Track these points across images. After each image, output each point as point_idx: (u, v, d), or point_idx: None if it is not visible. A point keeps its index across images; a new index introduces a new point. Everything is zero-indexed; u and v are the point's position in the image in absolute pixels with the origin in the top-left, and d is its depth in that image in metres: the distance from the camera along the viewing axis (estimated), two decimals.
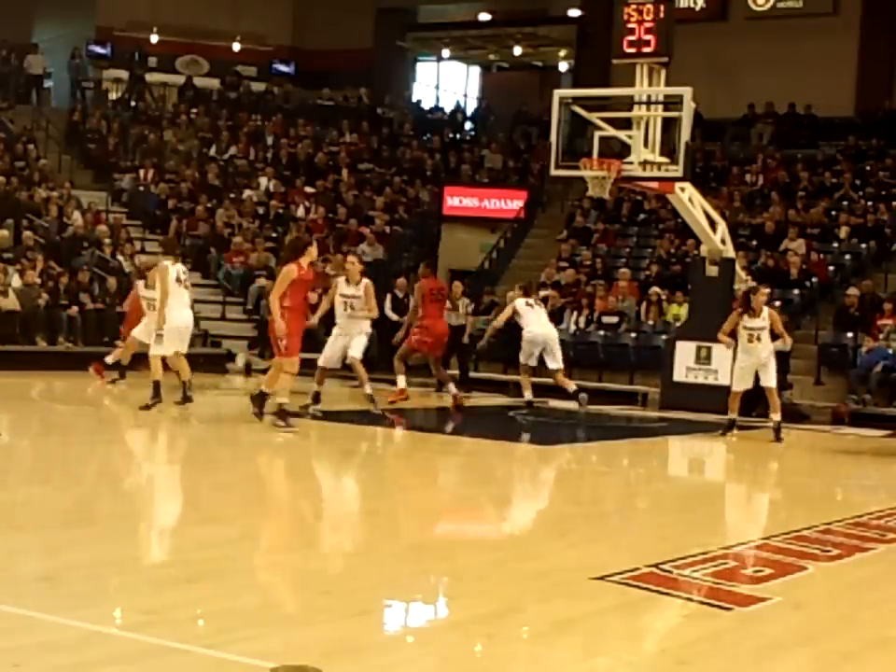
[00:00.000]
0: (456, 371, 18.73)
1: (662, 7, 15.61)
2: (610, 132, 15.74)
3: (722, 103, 24.35)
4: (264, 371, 19.53)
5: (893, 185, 22.74)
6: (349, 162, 27.21)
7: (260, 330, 20.84)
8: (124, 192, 24.98)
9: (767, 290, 15.06)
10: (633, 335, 19.38)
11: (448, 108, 31.82)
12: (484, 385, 18.78)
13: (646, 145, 15.56)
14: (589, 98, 16.63)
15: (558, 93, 16.42)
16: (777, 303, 19.38)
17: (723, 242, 17.36)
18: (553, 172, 16.26)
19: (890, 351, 17.34)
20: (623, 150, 16.00)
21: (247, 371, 19.11)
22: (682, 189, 16.21)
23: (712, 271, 17.25)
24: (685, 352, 17.11)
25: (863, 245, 20.87)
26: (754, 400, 16.95)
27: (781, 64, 24.86)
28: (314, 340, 14.85)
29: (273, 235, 23.92)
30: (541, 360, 15.60)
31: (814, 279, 19.91)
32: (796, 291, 19.73)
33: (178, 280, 12.84)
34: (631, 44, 15.68)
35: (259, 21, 31.05)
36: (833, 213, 22.11)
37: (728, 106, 25.07)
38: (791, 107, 25.46)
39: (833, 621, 5.69)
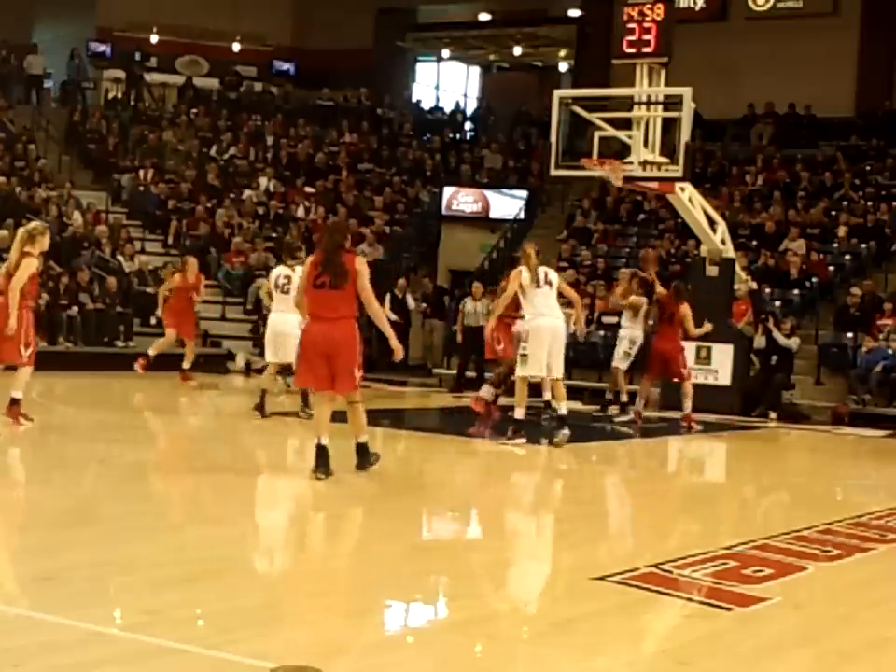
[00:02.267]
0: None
1: (662, 7, 15.60)
2: (610, 132, 15.74)
3: (722, 103, 24.34)
4: (262, 371, 19.62)
5: (893, 185, 22.75)
6: (349, 162, 27.22)
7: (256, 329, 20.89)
8: (124, 192, 24.98)
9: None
10: None
11: (448, 109, 31.81)
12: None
13: (646, 145, 15.56)
14: (589, 98, 16.63)
15: (558, 93, 16.41)
16: (778, 303, 19.45)
17: (723, 242, 17.36)
18: (553, 172, 16.26)
19: (890, 351, 17.35)
20: (623, 150, 16.00)
21: (247, 370, 19.11)
22: (682, 189, 16.21)
23: (712, 271, 17.26)
24: (685, 352, 17.09)
25: (863, 245, 20.86)
26: (754, 400, 17.00)
27: (781, 64, 24.86)
28: None
29: (273, 235, 23.92)
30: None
31: (814, 279, 19.91)
32: (796, 291, 19.74)
33: (277, 286, 12.66)
34: (631, 44, 15.67)
35: (258, 20, 31.04)
36: (833, 213, 22.11)
37: (728, 106, 25.06)
38: (791, 107, 25.45)
39: (833, 621, 5.69)
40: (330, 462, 8.69)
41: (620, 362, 15.43)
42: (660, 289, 15.03)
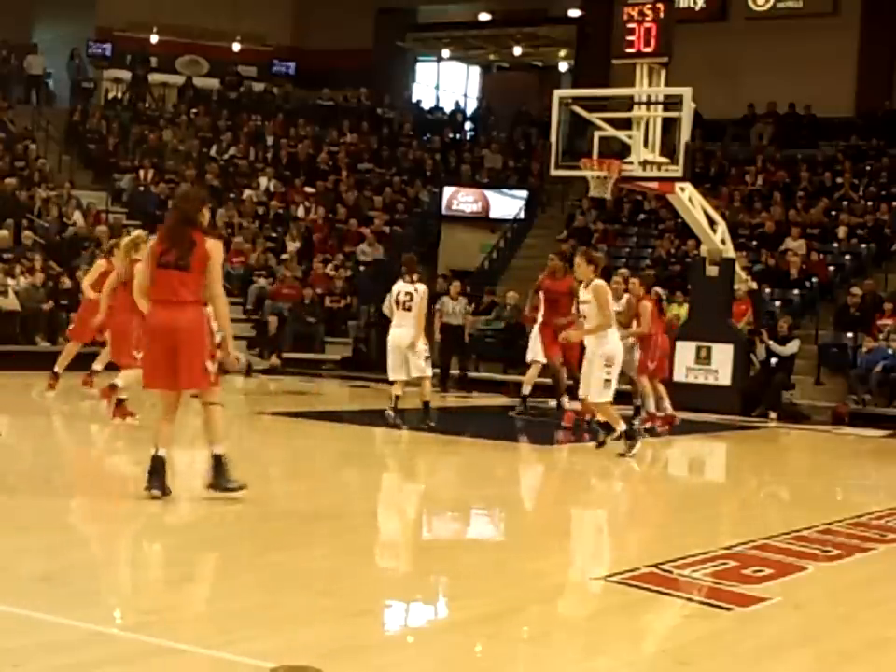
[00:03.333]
0: (456, 371, 18.75)
1: (662, 7, 15.61)
2: (610, 132, 15.74)
3: (722, 103, 24.35)
4: (264, 372, 19.66)
5: (893, 185, 22.75)
6: (349, 162, 27.22)
7: (259, 331, 20.89)
8: (124, 192, 24.98)
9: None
10: None
11: (448, 108, 31.82)
12: (484, 385, 18.77)
13: (646, 145, 15.56)
14: (589, 98, 16.63)
15: (558, 93, 16.41)
16: (778, 303, 19.45)
17: (723, 242, 17.36)
18: (553, 172, 16.27)
19: (890, 351, 17.36)
20: (623, 150, 16.00)
21: (248, 370, 19.11)
22: (682, 189, 16.21)
23: (712, 271, 17.26)
24: (685, 352, 17.10)
25: (863, 245, 20.88)
26: (754, 400, 17.01)
27: (781, 64, 24.86)
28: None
29: (273, 235, 23.93)
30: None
31: (814, 279, 19.92)
32: (796, 291, 19.75)
33: (397, 301, 12.55)
34: (631, 44, 15.68)
35: (258, 20, 31.04)
36: (833, 213, 22.13)
37: (728, 106, 25.08)
38: (791, 107, 25.46)
39: (833, 621, 5.69)
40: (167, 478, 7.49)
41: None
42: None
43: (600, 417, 11.45)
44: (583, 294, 11.13)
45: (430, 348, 13.21)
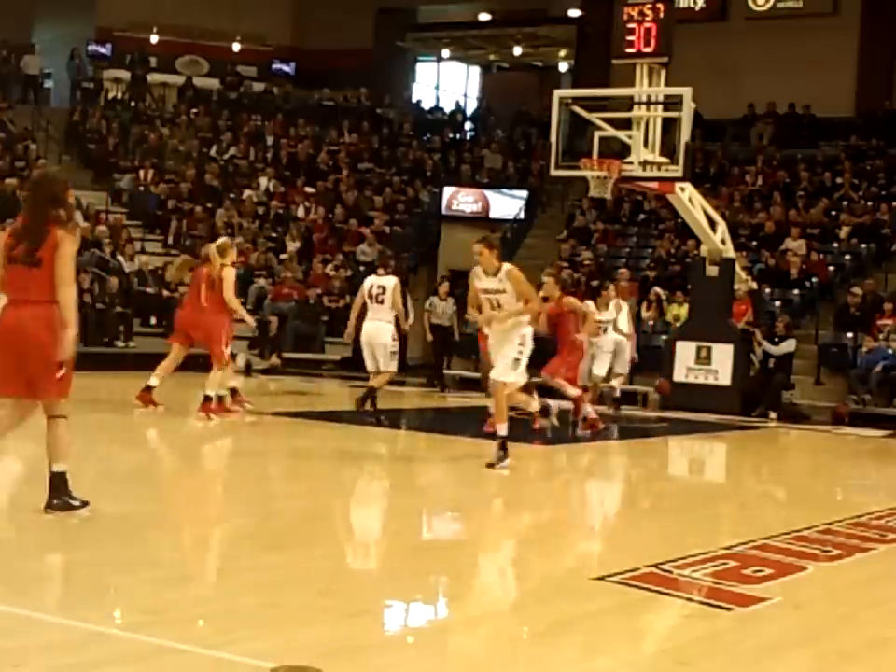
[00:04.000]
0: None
1: (662, 7, 15.63)
2: (610, 132, 15.76)
3: (722, 103, 24.35)
4: (264, 372, 19.65)
5: (893, 185, 22.75)
6: (349, 162, 27.22)
7: (260, 331, 20.89)
8: (124, 192, 24.98)
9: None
10: None
11: (448, 108, 31.83)
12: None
13: (646, 145, 15.58)
14: (589, 98, 16.65)
15: (558, 93, 16.43)
16: (778, 303, 19.46)
17: (723, 242, 17.38)
18: (553, 172, 16.29)
19: (890, 351, 17.36)
20: (623, 150, 16.01)
21: (247, 370, 19.10)
22: (682, 189, 16.22)
23: (712, 271, 17.27)
24: (685, 352, 17.13)
25: (863, 245, 20.89)
26: (754, 400, 17.01)
27: (781, 64, 24.86)
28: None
29: (273, 235, 23.93)
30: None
31: (814, 279, 19.93)
32: (796, 291, 19.75)
33: (370, 295, 12.63)
34: (631, 44, 15.70)
35: (258, 20, 31.05)
36: (833, 213, 22.13)
37: (728, 106, 25.08)
38: (791, 107, 25.47)
39: (833, 621, 5.69)
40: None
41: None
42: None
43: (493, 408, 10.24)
44: (490, 282, 9.76)
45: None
